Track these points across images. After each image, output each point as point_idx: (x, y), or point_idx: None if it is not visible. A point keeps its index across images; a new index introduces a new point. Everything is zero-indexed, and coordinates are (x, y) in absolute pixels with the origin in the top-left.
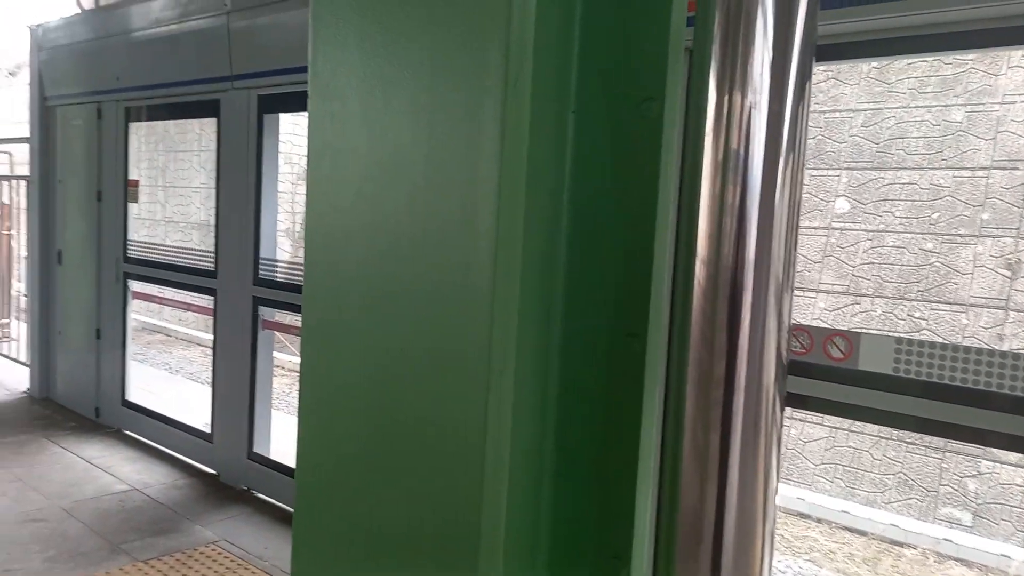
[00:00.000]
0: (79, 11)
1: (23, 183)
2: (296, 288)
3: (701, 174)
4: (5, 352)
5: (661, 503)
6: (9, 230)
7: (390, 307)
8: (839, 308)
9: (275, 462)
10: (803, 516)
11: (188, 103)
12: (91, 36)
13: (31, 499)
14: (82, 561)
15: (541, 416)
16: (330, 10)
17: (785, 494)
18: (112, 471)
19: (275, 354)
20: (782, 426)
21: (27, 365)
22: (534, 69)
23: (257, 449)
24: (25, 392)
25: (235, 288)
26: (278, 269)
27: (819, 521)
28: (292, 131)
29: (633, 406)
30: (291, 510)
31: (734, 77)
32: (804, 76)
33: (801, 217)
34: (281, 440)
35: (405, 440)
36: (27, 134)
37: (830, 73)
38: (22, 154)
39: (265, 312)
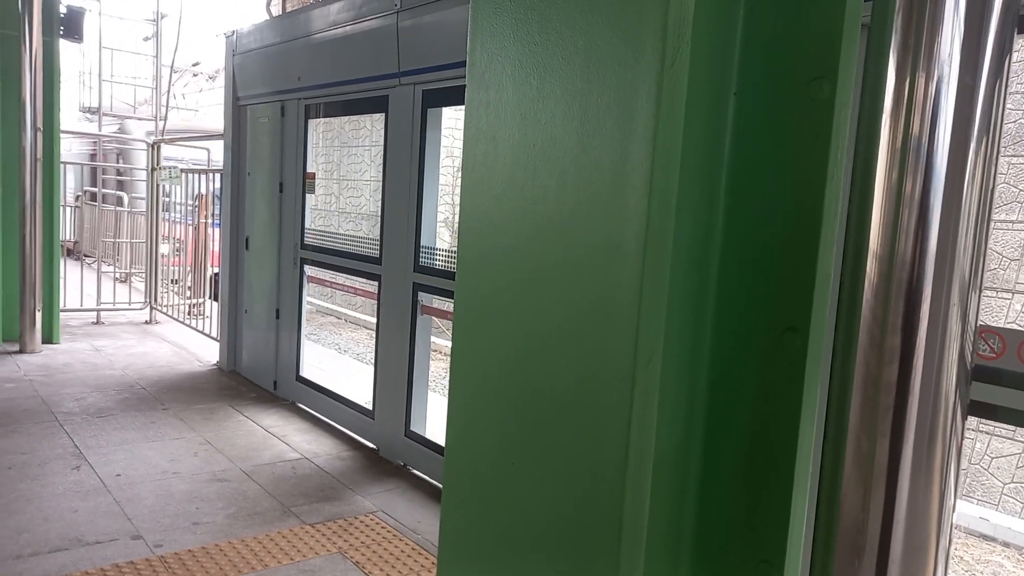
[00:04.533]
0: (268, 17)
1: (218, 175)
2: (452, 275)
3: (876, 162)
4: (201, 328)
5: (819, 511)
6: (206, 218)
7: (537, 292)
8: None
9: (430, 440)
10: (987, 538)
11: (360, 99)
12: (277, 40)
13: (217, 460)
14: (258, 520)
15: (689, 410)
16: (490, 1)
17: (967, 512)
18: (286, 440)
19: (433, 339)
20: (963, 437)
21: (217, 340)
22: (693, 48)
23: (414, 427)
24: (215, 365)
25: (397, 274)
26: (437, 257)
27: (1006, 545)
28: (454, 125)
29: (790, 405)
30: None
31: (918, 53)
32: (1003, 50)
33: (995, 209)
34: (436, 419)
35: (549, 426)
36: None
37: None
38: (219, 150)
39: (424, 297)
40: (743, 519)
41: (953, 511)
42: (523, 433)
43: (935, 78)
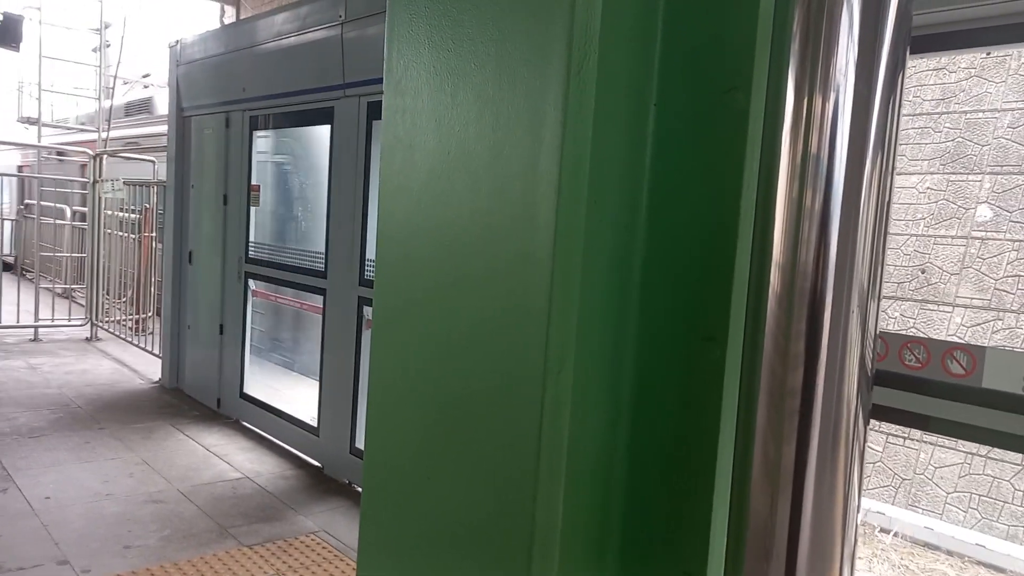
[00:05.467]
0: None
1: (161, 188)
2: None
3: (777, 175)
4: (144, 345)
5: (730, 516)
6: (151, 232)
7: (453, 300)
8: (978, 324)
9: None
10: (931, 547)
11: (305, 111)
12: (221, 50)
13: (154, 481)
14: (193, 542)
15: (613, 420)
16: (405, 7)
17: (912, 522)
18: (228, 459)
19: None
20: (865, 440)
21: (159, 357)
22: (602, 56)
23: (359, 444)
24: (157, 382)
25: (343, 288)
26: None
27: (950, 554)
28: None
29: (711, 414)
30: None
31: (815, 69)
32: (896, 67)
33: (937, 225)
34: None
35: (465, 433)
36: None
37: (972, 71)
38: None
39: (369, 312)
40: (665, 529)
41: (858, 511)
42: (439, 440)
43: (832, 93)
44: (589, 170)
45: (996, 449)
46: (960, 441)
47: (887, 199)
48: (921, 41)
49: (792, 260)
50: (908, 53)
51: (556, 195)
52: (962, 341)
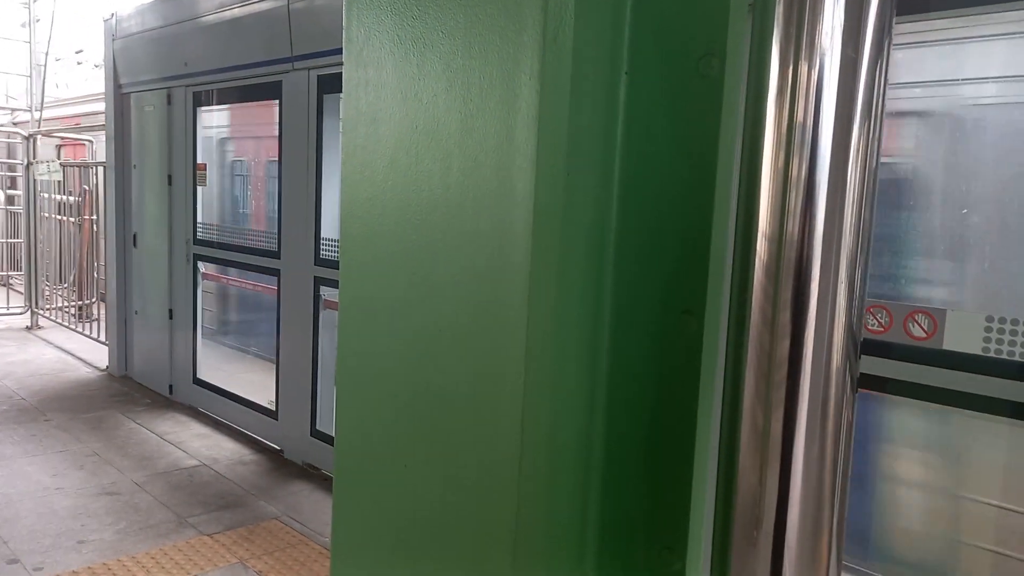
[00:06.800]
0: None
1: (101, 169)
2: None
3: (762, 145)
4: (89, 332)
5: (717, 487)
6: (92, 215)
7: (424, 281)
8: None
9: None
10: None
11: (252, 85)
12: (160, 23)
13: (106, 472)
14: (151, 533)
15: (589, 399)
16: None
17: None
18: (183, 446)
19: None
20: (855, 410)
21: (106, 344)
22: (577, 23)
23: (320, 427)
24: (105, 370)
25: (297, 268)
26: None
27: None
28: None
29: (688, 389)
30: None
31: (800, 34)
32: (883, 31)
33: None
34: None
35: (441, 421)
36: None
37: None
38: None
39: (327, 292)
40: (644, 507)
41: (847, 483)
42: (414, 430)
43: (817, 60)
44: (567, 142)
45: None
46: None
47: (875, 166)
48: (907, 3)
49: (779, 230)
50: (894, 17)
51: (533, 168)
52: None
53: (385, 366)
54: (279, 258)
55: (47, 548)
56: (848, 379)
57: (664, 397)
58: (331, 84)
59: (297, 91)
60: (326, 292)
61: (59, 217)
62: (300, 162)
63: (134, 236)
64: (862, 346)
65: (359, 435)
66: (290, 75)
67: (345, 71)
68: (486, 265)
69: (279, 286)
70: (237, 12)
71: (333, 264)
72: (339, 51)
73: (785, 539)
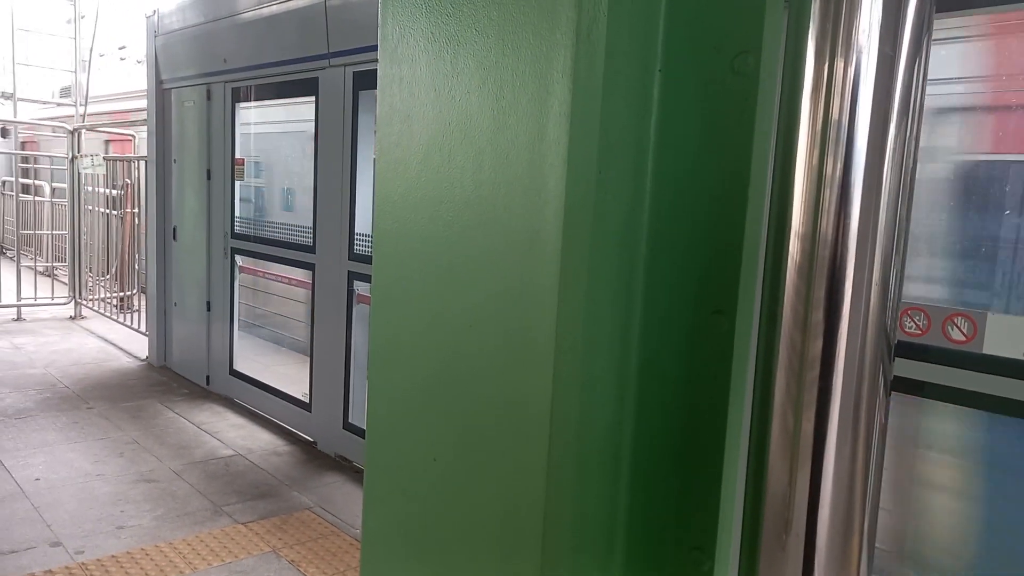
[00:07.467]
0: None
1: (143, 163)
2: None
3: (796, 143)
4: (130, 323)
5: (747, 488)
6: (133, 208)
7: (455, 277)
8: None
9: None
10: None
11: (289, 82)
12: (200, 20)
13: (145, 460)
14: (187, 520)
15: (619, 398)
16: None
17: None
18: (219, 436)
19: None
20: (887, 412)
21: (146, 335)
22: (610, 19)
23: (352, 419)
24: (144, 360)
25: (332, 263)
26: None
27: None
28: None
29: (719, 389)
30: None
31: (837, 31)
32: (922, 28)
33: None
34: None
35: (470, 416)
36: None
37: None
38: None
39: (360, 286)
40: (674, 506)
41: (879, 485)
42: (445, 425)
43: (854, 57)
44: (598, 140)
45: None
46: None
47: (911, 166)
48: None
49: (812, 228)
50: (934, 13)
51: (565, 166)
52: None
53: (416, 360)
54: (314, 252)
55: (88, 533)
56: (882, 381)
57: (694, 396)
58: (367, 81)
59: (333, 87)
60: (359, 287)
61: (102, 210)
62: (336, 159)
63: (174, 229)
64: (896, 348)
65: (390, 427)
66: (326, 71)
67: (380, 68)
68: (517, 261)
69: (313, 280)
70: (275, 9)
71: (367, 259)
72: (375, 48)
73: (816, 542)
